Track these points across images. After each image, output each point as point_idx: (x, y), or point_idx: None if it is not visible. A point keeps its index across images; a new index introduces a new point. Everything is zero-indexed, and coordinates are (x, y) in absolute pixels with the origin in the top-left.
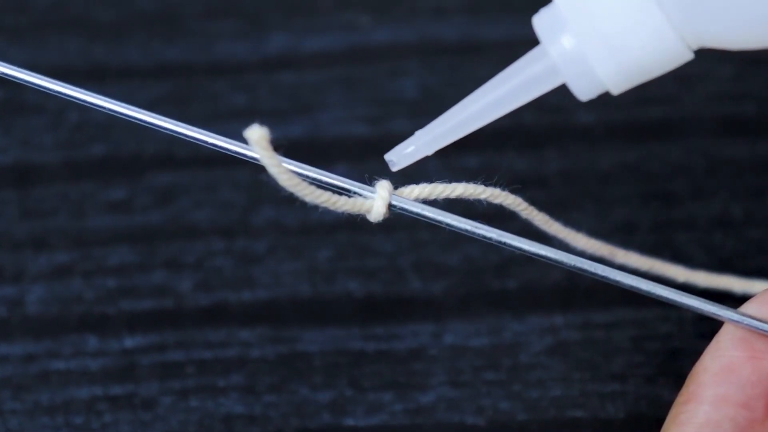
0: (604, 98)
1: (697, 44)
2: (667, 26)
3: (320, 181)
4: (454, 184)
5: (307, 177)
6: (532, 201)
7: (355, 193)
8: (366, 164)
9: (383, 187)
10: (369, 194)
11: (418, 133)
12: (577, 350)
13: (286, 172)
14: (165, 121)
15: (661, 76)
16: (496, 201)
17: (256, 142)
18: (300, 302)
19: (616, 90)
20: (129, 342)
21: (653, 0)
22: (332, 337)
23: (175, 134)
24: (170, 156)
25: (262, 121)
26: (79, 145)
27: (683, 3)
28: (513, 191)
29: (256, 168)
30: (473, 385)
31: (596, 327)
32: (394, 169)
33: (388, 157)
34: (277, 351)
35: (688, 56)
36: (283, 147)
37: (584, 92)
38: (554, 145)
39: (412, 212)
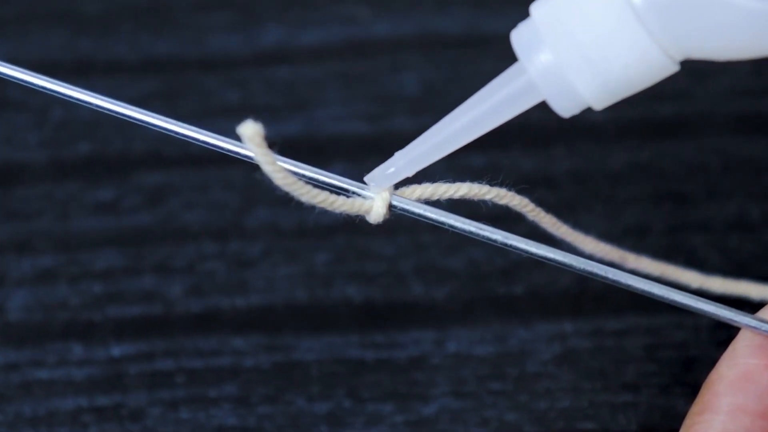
0: None
1: (681, 56)
2: (648, 40)
3: (317, 180)
4: (457, 184)
5: (303, 176)
6: (540, 202)
7: (353, 193)
8: (365, 163)
9: (384, 188)
10: (368, 194)
11: (398, 154)
12: (587, 359)
13: (281, 170)
14: (154, 118)
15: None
16: (502, 202)
17: (249, 139)
18: (296, 308)
19: (598, 106)
20: (116, 350)
21: (632, 14)
22: (330, 345)
23: (164, 131)
24: (159, 155)
25: (256, 118)
26: (64, 143)
27: (662, 17)
28: (519, 192)
29: (249, 167)
30: (477, 396)
31: (607, 334)
32: (377, 191)
33: (368, 179)
34: (272, 360)
35: (673, 68)
36: (277, 145)
37: (565, 109)
38: (562, 143)
39: (413, 213)
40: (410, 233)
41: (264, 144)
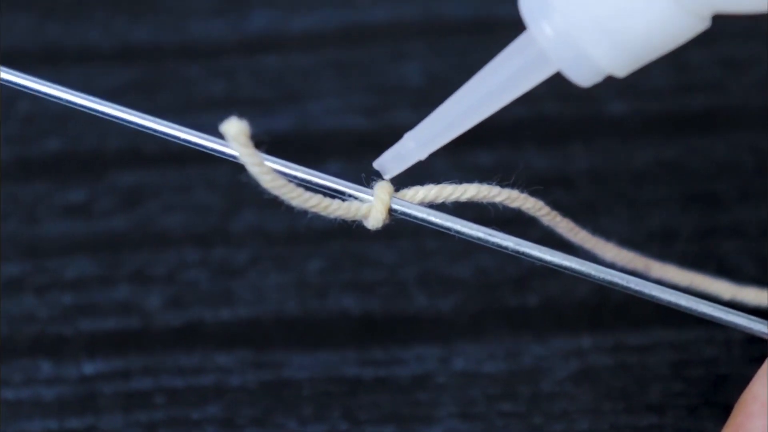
0: (639, 86)
1: (709, 11)
2: None
3: (309, 181)
4: (464, 185)
5: (294, 177)
6: (555, 204)
7: (350, 196)
8: (363, 162)
9: (383, 188)
10: (366, 197)
11: (408, 136)
12: (608, 377)
13: (269, 172)
14: (129, 114)
15: (702, 60)
16: (514, 204)
17: (234, 138)
18: (287, 321)
19: (620, 73)
20: (89, 368)
21: None
22: (324, 361)
23: (141, 129)
24: (136, 152)
25: (243, 112)
26: (31, 139)
27: None
28: (533, 193)
29: (235, 166)
30: (487, 418)
31: (629, 350)
32: (387, 177)
33: (378, 164)
34: (259, 378)
35: (702, 26)
36: (266, 143)
37: (583, 78)
38: (581, 139)
39: (416, 218)
40: (413, 238)
41: (250, 143)
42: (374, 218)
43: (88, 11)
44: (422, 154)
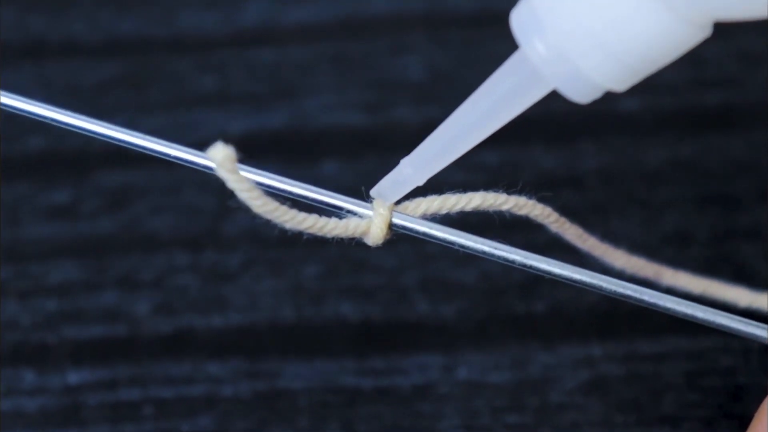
0: (652, 81)
1: (708, 19)
2: (664, 8)
3: (302, 196)
4: (469, 194)
5: (286, 192)
6: (565, 205)
7: (347, 211)
8: (361, 161)
9: (382, 203)
10: (365, 212)
11: (404, 162)
12: (619, 387)
13: (260, 196)
14: (112, 130)
15: (718, 54)
16: (522, 212)
17: (220, 165)
18: (282, 329)
19: (619, 87)
20: (73, 377)
21: None
22: (321, 371)
23: (121, 143)
24: (123, 151)
25: (236, 109)
26: (13, 138)
27: None
28: (541, 199)
29: None
30: (492, 430)
31: (642, 359)
32: (387, 204)
33: (375, 192)
34: (253, 388)
35: (701, 35)
36: (258, 144)
37: (581, 96)
38: (590, 137)
39: (418, 233)
40: (414, 242)
41: (237, 169)
42: (374, 235)
43: (73, 3)
44: (420, 180)
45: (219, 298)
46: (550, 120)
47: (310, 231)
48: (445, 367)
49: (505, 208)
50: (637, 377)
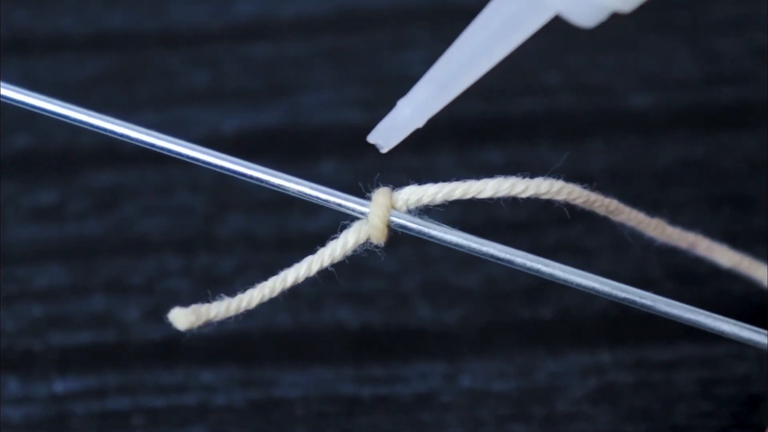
0: (664, 77)
1: None
2: None
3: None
4: (483, 181)
5: (277, 185)
6: (571, 206)
7: (343, 207)
8: (361, 160)
9: (380, 203)
10: (362, 208)
11: (401, 103)
12: (630, 396)
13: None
14: (100, 119)
15: (733, 49)
16: (545, 197)
17: (181, 327)
18: (277, 335)
19: (626, 6)
20: (59, 386)
21: None
22: (318, 379)
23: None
24: (112, 150)
25: (229, 106)
26: None
27: None
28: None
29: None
30: None
31: (653, 367)
32: (384, 150)
33: (373, 138)
34: (248, 397)
35: None
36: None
37: (585, 17)
38: (600, 135)
39: (417, 232)
40: (415, 244)
41: (200, 323)
42: (375, 225)
43: None
44: (419, 121)
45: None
46: (557, 117)
47: (322, 267)
48: (448, 375)
49: (525, 194)
50: (648, 386)
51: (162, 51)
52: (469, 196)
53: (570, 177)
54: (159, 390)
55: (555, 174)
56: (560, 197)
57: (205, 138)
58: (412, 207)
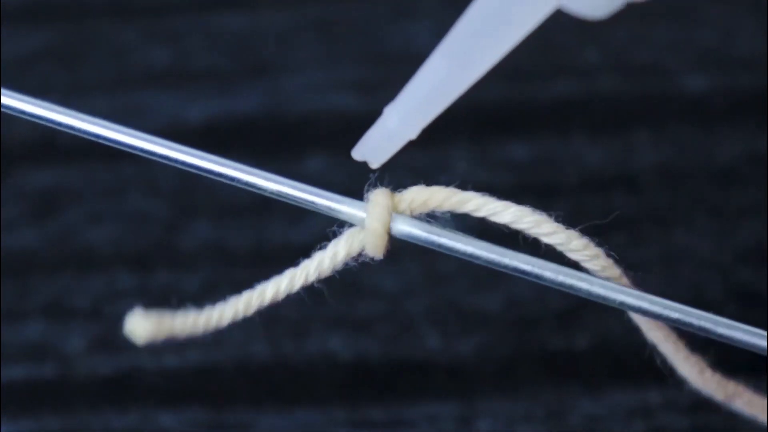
0: (724, 54)
1: None
2: None
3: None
4: (505, 204)
5: (256, 185)
6: (615, 210)
7: (333, 209)
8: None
9: (377, 208)
10: (357, 211)
11: (388, 111)
12: None
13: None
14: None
15: None
16: (573, 256)
17: (143, 339)
18: (253, 370)
19: None
20: None
21: None
22: (304, 423)
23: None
24: (51, 144)
25: (195, 89)
26: None
27: None
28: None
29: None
30: None
31: (712, 409)
32: (374, 166)
33: (359, 154)
34: None
35: None
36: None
37: (593, 7)
38: (647, 125)
39: (423, 240)
40: (421, 257)
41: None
42: (373, 229)
43: None
44: (411, 132)
45: None
46: (596, 104)
47: (307, 282)
48: (463, 418)
49: (548, 241)
50: (706, 430)
51: (113, 23)
52: (482, 214)
53: (611, 176)
54: None
55: (594, 172)
56: (593, 266)
57: (166, 128)
58: (417, 212)
